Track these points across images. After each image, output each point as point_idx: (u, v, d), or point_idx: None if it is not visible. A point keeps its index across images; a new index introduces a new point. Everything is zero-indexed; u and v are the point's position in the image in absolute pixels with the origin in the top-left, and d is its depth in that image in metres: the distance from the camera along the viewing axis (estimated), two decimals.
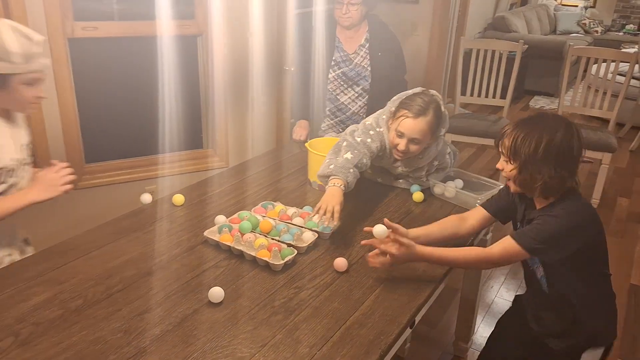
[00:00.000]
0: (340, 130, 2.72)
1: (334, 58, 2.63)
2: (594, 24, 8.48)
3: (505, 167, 1.55)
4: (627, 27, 8.72)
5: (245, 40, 3.09)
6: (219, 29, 2.89)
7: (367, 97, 2.69)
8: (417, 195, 2.09)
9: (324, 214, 1.74)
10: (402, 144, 1.95)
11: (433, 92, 2.01)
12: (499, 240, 1.56)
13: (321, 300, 1.50)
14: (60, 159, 2.50)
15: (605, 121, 4.15)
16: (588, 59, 4.06)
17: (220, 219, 1.84)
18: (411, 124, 1.92)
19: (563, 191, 1.51)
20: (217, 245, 1.72)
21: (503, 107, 4.21)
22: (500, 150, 1.56)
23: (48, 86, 2.38)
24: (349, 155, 1.93)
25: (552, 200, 1.53)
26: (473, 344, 2.51)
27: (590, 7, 9.11)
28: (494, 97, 4.20)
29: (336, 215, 1.74)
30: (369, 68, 2.64)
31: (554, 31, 8.31)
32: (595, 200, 3.88)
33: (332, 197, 1.78)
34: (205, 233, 1.74)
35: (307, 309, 1.46)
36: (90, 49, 2.58)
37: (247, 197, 2.09)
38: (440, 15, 4.22)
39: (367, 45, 2.64)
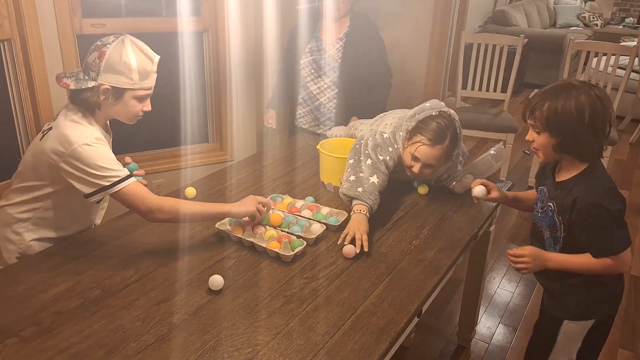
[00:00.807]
0: (311, 120, 2.79)
1: (309, 46, 2.68)
2: (593, 17, 8.50)
3: (538, 138, 1.57)
4: (627, 20, 8.73)
5: (251, 35, 3.13)
6: (225, 25, 2.92)
7: (336, 90, 2.70)
8: (422, 188, 2.13)
9: (351, 241, 1.73)
10: (416, 167, 1.94)
11: (450, 112, 1.96)
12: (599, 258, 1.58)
13: (332, 289, 1.54)
14: None
15: None
16: (588, 52, 4.10)
17: None
18: (427, 152, 1.89)
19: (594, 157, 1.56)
20: (229, 237, 1.76)
21: (504, 100, 4.25)
22: (530, 122, 1.57)
23: None
24: (375, 179, 1.91)
25: (581, 170, 1.57)
26: (476, 334, 2.56)
27: (590, 0, 9.12)
28: (494, 90, 4.24)
29: (365, 243, 1.72)
30: (339, 61, 2.66)
31: (553, 24, 8.33)
32: None
33: (359, 224, 1.77)
34: (217, 225, 1.79)
35: (318, 298, 1.50)
36: None
37: (257, 190, 2.13)
38: (442, 10, 4.24)
39: (344, 39, 2.65)
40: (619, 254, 1.55)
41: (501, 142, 1.95)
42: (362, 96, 2.72)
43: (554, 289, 1.75)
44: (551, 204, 1.64)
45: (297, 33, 2.74)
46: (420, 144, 1.89)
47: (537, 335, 1.88)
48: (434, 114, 1.93)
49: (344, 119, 2.71)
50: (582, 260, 1.60)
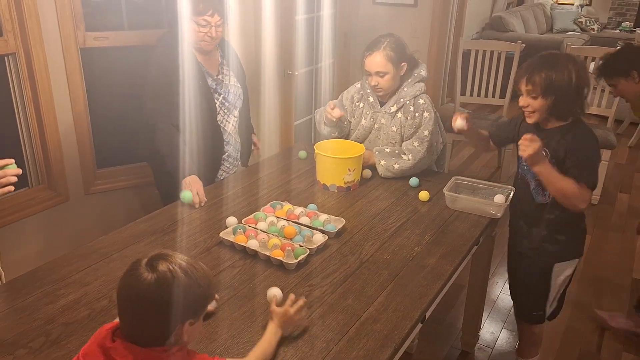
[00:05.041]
0: (229, 163, 2.46)
1: (209, 85, 2.31)
2: (590, 22, 8.55)
3: (532, 102, 1.84)
4: (623, 24, 8.79)
5: (251, 45, 3.16)
6: (225, 36, 2.95)
7: (240, 120, 2.48)
8: (423, 195, 2.16)
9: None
10: (372, 80, 2.29)
11: (393, 34, 2.33)
12: (574, 184, 1.81)
13: (335, 297, 1.56)
14: (74, 164, 2.58)
15: (604, 118, 4.22)
16: (585, 57, 4.13)
17: (232, 220, 1.90)
18: (370, 60, 2.27)
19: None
20: (232, 246, 1.78)
21: (502, 106, 4.28)
22: (528, 87, 1.82)
23: (62, 94, 2.44)
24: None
25: (568, 122, 1.87)
26: (480, 339, 2.57)
27: (586, 5, 9.17)
28: (493, 96, 4.27)
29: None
30: (239, 85, 2.44)
31: (550, 30, 8.38)
32: (595, 197, 3.94)
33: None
34: (221, 234, 1.81)
35: (322, 306, 1.52)
36: (101, 58, 2.64)
37: (258, 198, 2.15)
38: (439, 17, 4.28)
39: (224, 62, 2.41)
40: (594, 188, 1.85)
41: (506, 195, 2.05)
42: (248, 115, 2.61)
43: (535, 241, 2.02)
44: (544, 152, 1.85)
45: (169, 72, 2.18)
46: (364, 57, 2.29)
47: (534, 290, 2.10)
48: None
49: (249, 145, 2.62)
50: (566, 182, 1.82)
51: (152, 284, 1.05)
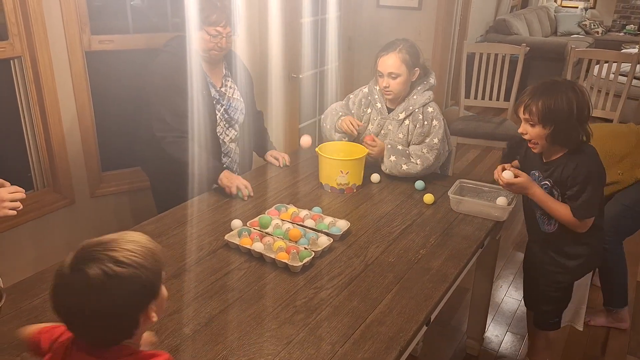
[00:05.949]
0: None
1: (212, 95, 2.29)
2: (594, 25, 8.53)
3: (531, 130, 1.82)
4: (628, 27, 8.77)
5: (256, 48, 3.16)
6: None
7: (238, 133, 2.45)
8: (428, 198, 2.15)
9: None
10: (384, 81, 2.27)
11: (412, 41, 2.34)
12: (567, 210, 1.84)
13: (341, 299, 1.56)
14: (79, 167, 2.59)
15: (609, 121, 4.20)
16: (590, 60, 4.13)
17: (237, 223, 1.90)
18: (384, 60, 2.26)
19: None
20: (238, 249, 1.79)
21: (507, 109, 4.27)
22: (525, 116, 1.81)
23: (67, 97, 2.46)
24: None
25: (567, 151, 1.83)
26: (485, 343, 2.57)
27: (591, 8, 9.16)
28: (497, 99, 4.26)
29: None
30: (242, 99, 2.40)
31: (554, 33, 8.37)
32: None
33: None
34: (226, 237, 1.81)
35: (327, 308, 1.52)
36: (106, 61, 2.65)
37: (263, 201, 2.15)
38: (444, 20, 4.28)
39: (230, 75, 2.38)
40: (591, 217, 1.84)
41: (510, 200, 2.05)
42: (257, 127, 2.56)
43: (552, 263, 2.00)
44: (547, 182, 1.87)
45: (177, 81, 2.18)
46: (378, 57, 2.28)
47: (554, 301, 2.08)
48: None
49: (249, 159, 2.61)
50: (563, 209, 1.84)
51: (91, 294, 0.92)
